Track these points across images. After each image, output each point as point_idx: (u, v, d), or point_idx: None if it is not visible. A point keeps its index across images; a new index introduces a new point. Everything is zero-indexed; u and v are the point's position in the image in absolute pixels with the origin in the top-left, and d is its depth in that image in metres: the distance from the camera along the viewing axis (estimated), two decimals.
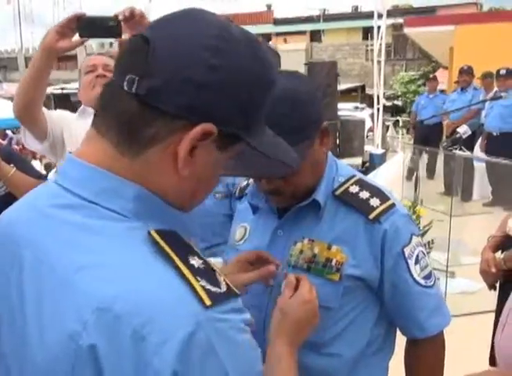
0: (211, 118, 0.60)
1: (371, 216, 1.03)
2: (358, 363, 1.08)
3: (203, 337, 0.53)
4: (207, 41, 0.60)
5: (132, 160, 0.61)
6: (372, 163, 9.42)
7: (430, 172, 6.66)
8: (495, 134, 6.21)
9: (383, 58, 10.33)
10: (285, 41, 25.74)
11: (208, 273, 0.58)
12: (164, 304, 0.53)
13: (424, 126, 7.27)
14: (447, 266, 3.49)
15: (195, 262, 0.58)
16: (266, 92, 0.66)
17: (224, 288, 0.58)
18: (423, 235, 3.46)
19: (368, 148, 9.98)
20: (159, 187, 0.62)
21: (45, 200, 0.63)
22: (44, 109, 1.85)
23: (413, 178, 4.53)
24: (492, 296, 2.27)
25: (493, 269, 2.10)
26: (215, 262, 1.41)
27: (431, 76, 9.64)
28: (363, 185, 1.08)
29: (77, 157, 0.63)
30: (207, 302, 0.54)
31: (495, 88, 6.51)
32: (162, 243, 0.58)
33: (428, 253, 3.42)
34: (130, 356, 0.52)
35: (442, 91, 12.54)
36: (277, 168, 0.76)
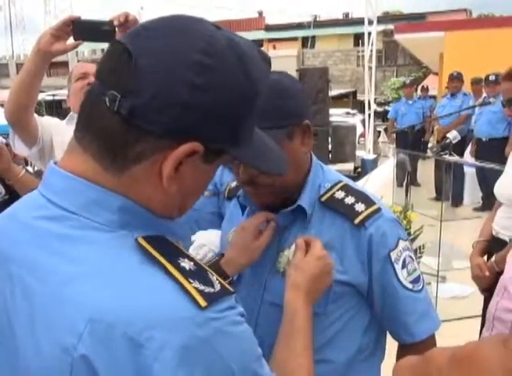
0: (197, 137, 0.60)
1: (356, 221, 1.03)
2: (350, 368, 1.07)
3: (203, 338, 0.54)
4: (190, 57, 0.58)
5: (116, 176, 0.60)
6: (364, 168, 9.47)
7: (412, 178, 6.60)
8: (484, 139, 6.26)
9: (374, 64, 10.42)
10: (273, 47, 25.82)
11: (200, 274, 0.58)
12: (158, 309, 0.54)
13: (407, 132, 7.22)
14: (438, 271, 3.51)
15: (186, 264, 0.58)
16: (253, 104, 0.65)
17: (218, 287, 0.58)
18: (414, 240, 3.48)
19: (360, 153, 10.04)
20: (145, 201, 0.62)
21: (30, 212, 0.63)
22: (34, 114, 1.85)
23: (404, 183, 4.57)
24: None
25: (487, 273, 2.12)
26: (213, 233, 1.40)
27: (408, 82, 9.37)
28: (349, 190, 1.08)
29: (60, 167, 0.63)
30: (203, 303, 0.55)
31: (484, 94, 6.58)
32: (150, 248, 0.58)
33: (420, 258, 3.44)
34: (128, 364, 0.52)
35: (433, 96, 12.64)
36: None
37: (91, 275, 0.56)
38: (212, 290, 0.57)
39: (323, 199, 1.07)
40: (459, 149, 5.22)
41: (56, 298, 0.56)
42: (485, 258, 2.23)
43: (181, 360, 0.52)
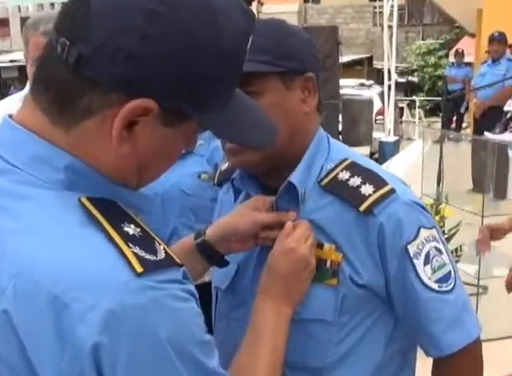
0: (149, 92, 0.67)
1: (362, 207, 1.02)
2: None
3: (133, 306, 0.61)
4: (143, 4, 0.65)
5: (65, 131, 0.68)
6: (382, 153, 9.51)
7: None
8: None
9: (395, 22, 10.42)
10: (260, 3, 25.71)
11: (145, 241, 0.66)
12: (90, 271, 0.62)
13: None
14: (478, 280, 3.53)
15: (130, 229, 0.66)
16: (221, 63, 0.70)
17: (161, 256, 0.65)
18: (448, 240, 3.49)
19: (377, 135, 10.08)
20: (96, 162, 0.70)
21: None
22: None
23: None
24: None
25: None
26: None
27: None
28: (355, 169, 1.07)
29: (12, 120, 0.71)
30: (139, 269, 0.62)
31: None
32: (93, 210, 0.66)
33: (456, 262, 3.45)
34: (49, 323, 0.60)
35: (468, 63, 12.65)
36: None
37: (27, 232, 0.65)
38: (154, 258, 0.64)
39: (323, 183, 1.07)
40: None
41: None
42: None
43: (106, 326, 0.60)
